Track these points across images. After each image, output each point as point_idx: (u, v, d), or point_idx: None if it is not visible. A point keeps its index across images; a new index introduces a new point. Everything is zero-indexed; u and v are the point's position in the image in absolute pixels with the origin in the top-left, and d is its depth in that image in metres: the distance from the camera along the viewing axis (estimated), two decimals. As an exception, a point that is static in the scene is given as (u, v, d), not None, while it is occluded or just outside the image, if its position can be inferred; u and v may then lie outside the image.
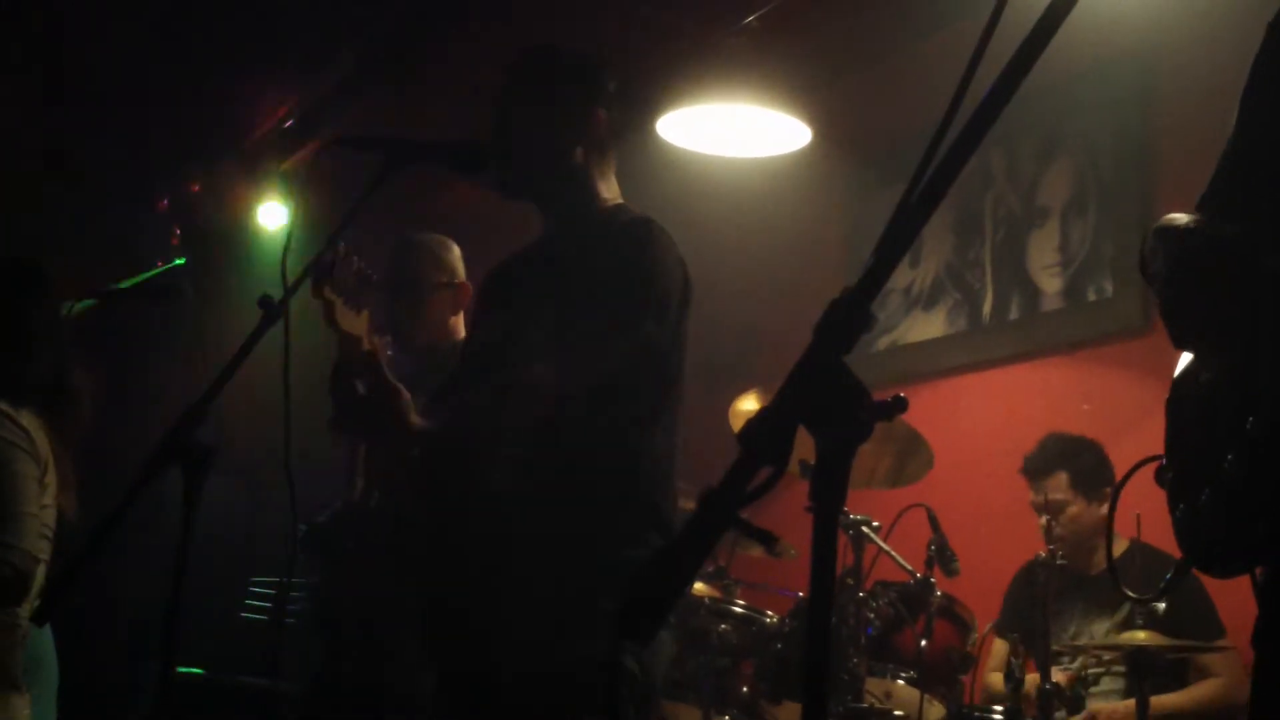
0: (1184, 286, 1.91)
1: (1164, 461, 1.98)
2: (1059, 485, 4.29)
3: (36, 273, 3.21)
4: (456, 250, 4.02)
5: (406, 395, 2.49)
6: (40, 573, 3.08)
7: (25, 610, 3.08)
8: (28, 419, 3.06)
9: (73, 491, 3.15)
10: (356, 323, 2.67)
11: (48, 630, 3.23)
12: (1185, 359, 2.04)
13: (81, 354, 3.28)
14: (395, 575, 3.18)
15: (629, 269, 2.63)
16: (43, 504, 3.06)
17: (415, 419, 2.49)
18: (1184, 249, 1.92)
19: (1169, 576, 2.12)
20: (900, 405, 1.21)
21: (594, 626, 2.50)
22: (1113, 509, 2.57)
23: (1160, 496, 2.15)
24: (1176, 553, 1.96)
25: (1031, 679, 3.86)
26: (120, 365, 6.83)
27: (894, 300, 5.61)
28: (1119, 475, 4.26)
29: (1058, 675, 3.91)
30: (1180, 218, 2.01)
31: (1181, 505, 1.90)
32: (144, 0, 5.46)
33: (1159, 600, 3.50)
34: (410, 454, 2.71)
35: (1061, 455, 4.33)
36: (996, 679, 4.20)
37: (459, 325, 3.95)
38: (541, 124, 2.79)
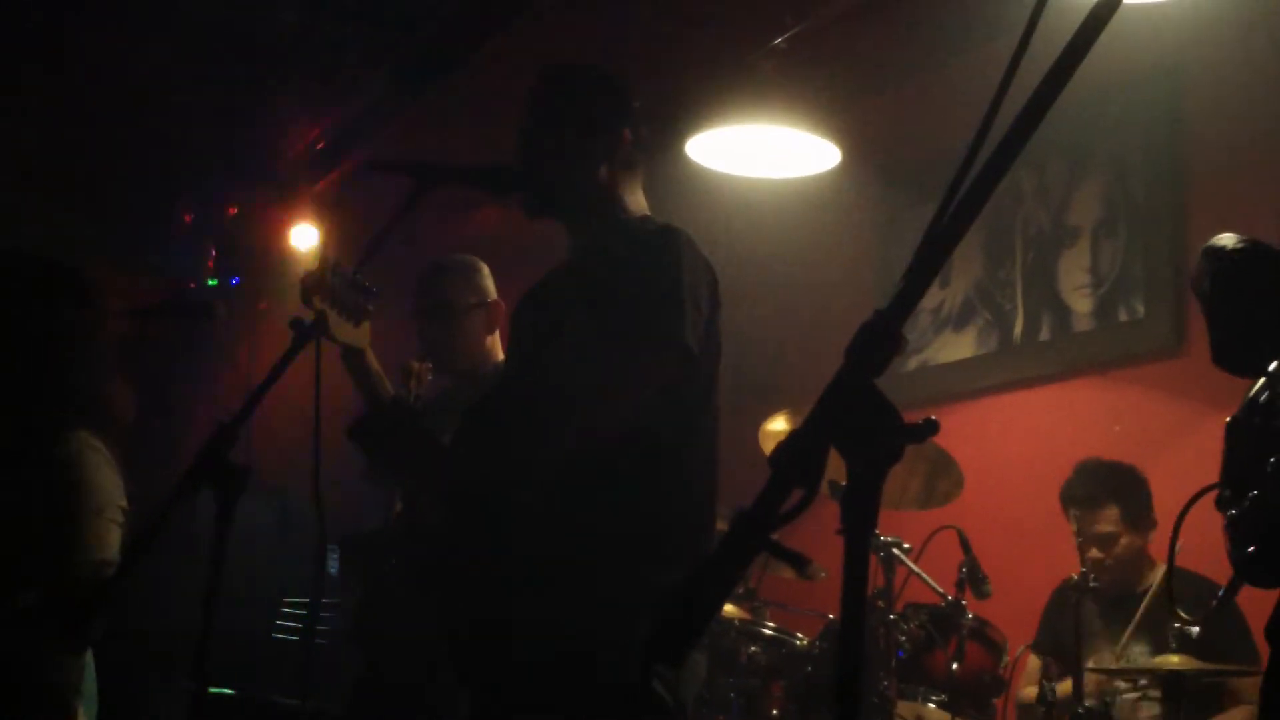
0: (1227, 298, 1.92)
1: (1219, 487, 1.98)
2: (1110, 519, 4.20)
3: (76, 281, 3.19)
4: (485, 270, 4.02)
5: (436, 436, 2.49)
6: None
7: None
8: (87, 437, 3.07)
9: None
10: (356, 334, 2.67)
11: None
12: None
13: (119, 370, 3.28)
14: (433, 594, 3.19)
15: (657, 278, 2.61)
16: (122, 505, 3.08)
17: (433, 441, 2.49)
18: (1228, 263, 1.93)
19: (1221, 593, 2.13)
20: (931, 428, 1.21)
21: (626, 649, 2.48)
22: (1174, 542, 2.53)
23: (1196, 521, 2.15)
24: (1212, 576, 1.95)
25: (1063, 688, 3.84)
26: (152, 385, 6.86)
27: (924, 320, 5.59)
28: (1156, 499, 4.25)
29: (1091, 679, 3.89)
30: (1228, 237, 2.02)
31: (1231, 511, 1.90)
32: (176, 22, 5.50)
33: (1208, 619, 3.46)
34: (444, 475, 2.72)
35: (1111, 487, 4.23)
36: (1030, 692, 4.17)
37: (496, 345, 3.95)
38: (565, 144, 2.78)
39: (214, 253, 7.02)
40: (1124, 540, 4.21)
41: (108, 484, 3.02)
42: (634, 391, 2.56)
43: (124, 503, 3.04)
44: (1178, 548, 3.61)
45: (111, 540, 2.98)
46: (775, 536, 1.23)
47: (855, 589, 1.16)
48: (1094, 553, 4.19)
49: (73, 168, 6.53)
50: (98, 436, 3.08)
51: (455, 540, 2.76)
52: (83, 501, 2.97)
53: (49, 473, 2.98)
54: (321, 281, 2.59)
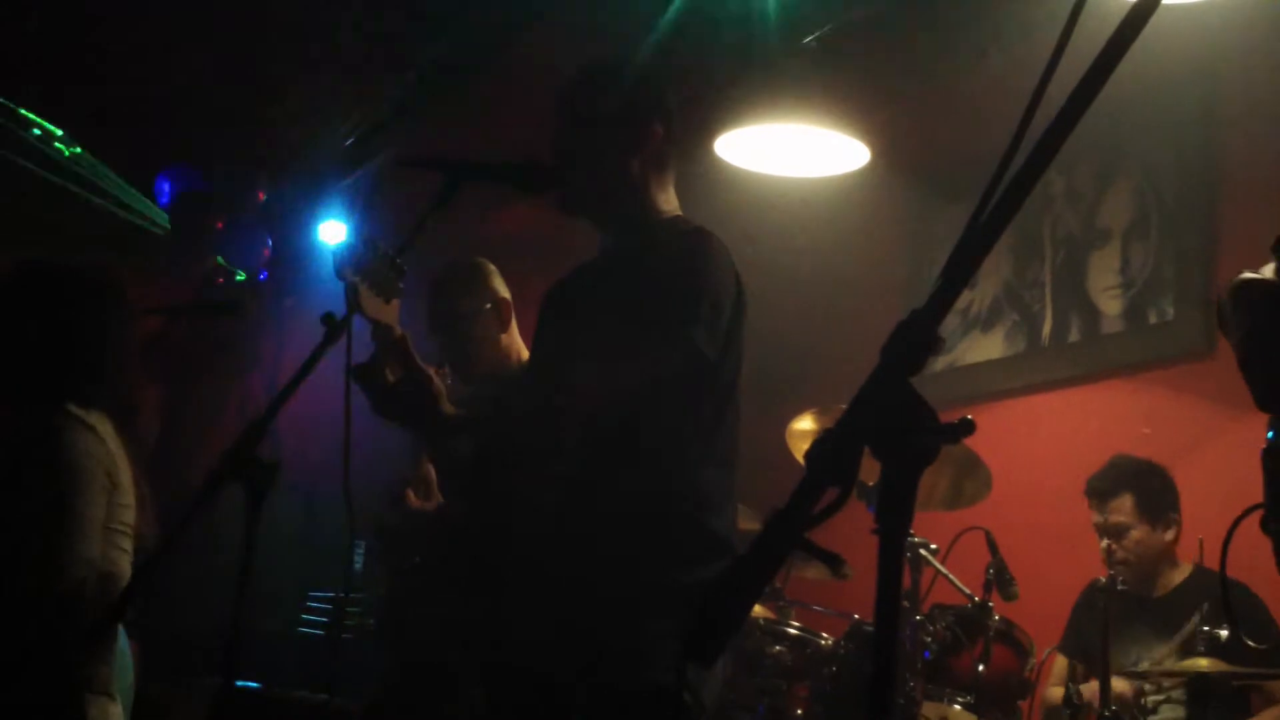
0: (1263, 341, 1.89)
1: (1266, 509, 1.95)
2: (1123, 508, 4.23)
3: (112, 283, 3.22)
4: (489, 269, 3.96)
5: (438, 383, 2.47)
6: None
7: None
8: (107, 429, 3.07)
9: (149, 511, 3.15)
10: (386, 311, 2.67)
11: (124, 643, 3.24)
12: None
13: (144, 370, 3.28)
14: (460, 590, 3.19)
15: (679, 277, 2.62)
16: (122, 521, 3.05)
17: (448, 407, 2.47)
18: (1261, 303, 1.90)
19: None
20: (967, 428, 1.20)
21: (643, 650, 2.49)
22: (1224, 559, 2.49)
23: (1224, 522, 2.13)
24: (1242, 578, 1.93)
25: (1089, 688, 3.83)
26: (178, 382, 6.89)
27: (952, 321, 5.57)
28: (1187, 502, 4.23)
29: (1118, 684, 3.87)
30: (1253, 275, 1.99)
31: None
32: (205, 18, 5.52)
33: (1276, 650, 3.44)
34: (457, 457, 2.71)
35: (1127, 478, 4.26)
36: (1056, 693, 4.15)
37: (513, 343, 3.91)
38: (596, 140, 2.78)
39: (270, 243, 7.01)
40: (1136, 533, 4.21)
41: (91, 476, 2.99)
42: (634, 384, 2.56)
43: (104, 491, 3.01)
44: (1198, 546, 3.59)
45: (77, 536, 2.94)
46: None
47: (890, 590, 1.16)
48: (1107, 543, 4.20)
49: (104, 164, 6.56)
50: (109, 418, 3.08)
51: (477, 540, 2.76)
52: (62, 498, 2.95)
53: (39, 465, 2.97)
54: (356, 255, 2.59)
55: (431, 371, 2.52)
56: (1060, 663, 4.33)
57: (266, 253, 6.80)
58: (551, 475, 2.60)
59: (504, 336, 3.90)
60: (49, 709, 2.96)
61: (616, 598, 2.54)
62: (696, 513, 2.62)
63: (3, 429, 3.06)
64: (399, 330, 2.65)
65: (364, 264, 2.60)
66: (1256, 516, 2.07)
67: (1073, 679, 3.96)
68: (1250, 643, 3.34)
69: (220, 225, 6.97)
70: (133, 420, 3.18)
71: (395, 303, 2.71)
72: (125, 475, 3.06)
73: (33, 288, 3.18)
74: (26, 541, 2.90)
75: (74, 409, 3.01)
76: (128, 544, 3.05)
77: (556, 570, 2.58)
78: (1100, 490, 4.29)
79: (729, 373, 2.69)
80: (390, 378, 2.48)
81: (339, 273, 2.57)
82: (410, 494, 3.71)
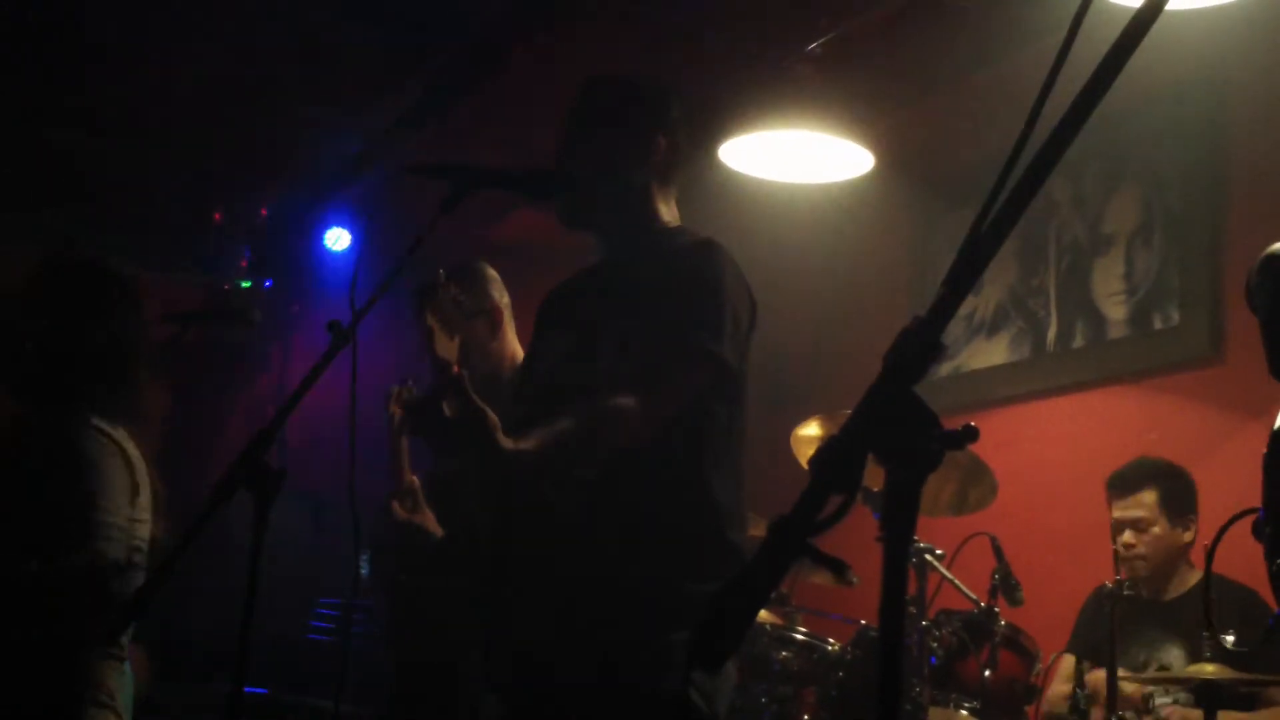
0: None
1: (1261, 514, 1.95)
2: (1146, 502, 4.23)
3: (125, 284, 3.23)
4: (485, 274, 3.94)
5: (494, 417, 2.48)
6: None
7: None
8: (123, 436, 3.07)
9: (162, 515, 3.15)
10: (451, 348, 2.69)
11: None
12: None
13: (156, 373, 3.29)
14: (466, 601, 3.18)
15: (699, 291, 2.62)
16: (134, 518, 3.05)
17: (505, 440, 2.47)
18: None
19: (1270, 625, 2.12)
20: (971, 435, 1.20)
21: (662, 662, 2.49)
22: (1210, 560, 2.50)
23: (1237, 530, 2.13)
24: (1251, 584, 1.94)
25: (1096, 677, 3.83)
26: (186, 389, 6.91)
27: (956, 327, 5.57)
28: (1200, 505, 4.24)
29: (1126, 686, 3.87)
30: None
31: (1277, 562, 1.88)
32: (211, 27, 5.53)
33: (1256, 649, 3.45)
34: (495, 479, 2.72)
35: (1153, 473, 4.27)
36: (1064, 689, 4.14)
37: (505, 349, 3.89)
38: (602, 151, 2.79)
39: (248, 253, 7.04)
40: (1157, 529, 4.21)
41: (113, 476, 3.00)
42: (669, 403, 2.57)
43: (126, 498, 3.01)
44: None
45: (101, 537, 2.95)
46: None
47: (895, 596, 1.16)
48: (1126, 536, 4.20)
49: (109, 171, 6.58)
50: (128, 430, 3.09)
51: (489, 546, 2.77)
52: (78, 489, 2.96)
53: (55, 459, 2.98)
54: (436, 298, 2.60)
55: (487, 407, 2.52)
56: (1068, 661, 4.33)
57: (244, 263, 6.82)
58: (573, 482, 2.60)
59: (494, 344, 3.88)
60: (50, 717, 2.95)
61: (634, 606, 2.54)
62: (715, 524, 2.63)
63: (21, 428, 3.07)
64: (458, 367, 2.67)
65: (440, 305, 2.62)
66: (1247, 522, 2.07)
67: (1079, 683, 3.95)
68: (1230, 640, 3.35)
69: (218, 216, 6.99)
70: (146, 429, 3.18)
71: (458, 339, 2.72)
72: (145, 492, 3.06)
73: (57, 284, 3.18)
74: (48, 539, 2.91)
75: (99, 423, 3.01)
76: (142, 558, 3.04)
77: (574, 577, 2.58)
78: (1124, 482, 4.29)
79: (742, 383, 2.70)
80: (448, 412, 2.49)
81: (419, 316, 2.59)
82: (396, 505, 3.72)
